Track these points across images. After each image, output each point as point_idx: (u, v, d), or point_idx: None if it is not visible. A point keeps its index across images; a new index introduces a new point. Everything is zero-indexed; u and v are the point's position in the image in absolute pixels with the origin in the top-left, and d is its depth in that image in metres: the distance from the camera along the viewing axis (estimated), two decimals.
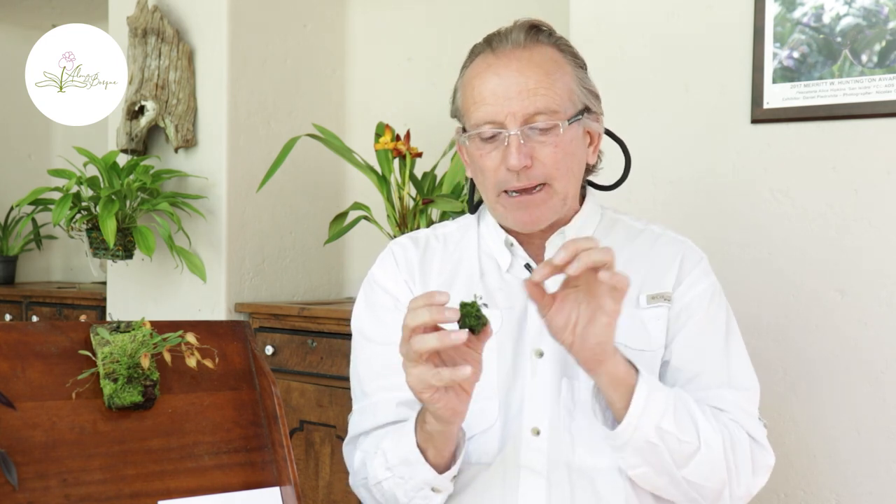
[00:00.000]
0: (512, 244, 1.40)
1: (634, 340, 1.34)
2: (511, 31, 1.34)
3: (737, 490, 1.29)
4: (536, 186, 1.31)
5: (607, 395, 1.23)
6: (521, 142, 1.29)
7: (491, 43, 1.35)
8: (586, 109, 1.36)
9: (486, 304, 1.11)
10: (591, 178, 1.46)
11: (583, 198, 1.44)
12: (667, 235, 1.43)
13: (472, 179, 1.43)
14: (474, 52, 1.37)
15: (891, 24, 1.84)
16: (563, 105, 1.31)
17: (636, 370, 1.23)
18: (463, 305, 1.08)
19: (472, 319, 1.08)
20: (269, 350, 2.62)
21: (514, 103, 1.29)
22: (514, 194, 1.32)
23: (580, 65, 1.37)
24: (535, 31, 1.34)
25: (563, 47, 1.36)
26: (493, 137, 1.31)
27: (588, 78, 1.38)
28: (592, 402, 1.26)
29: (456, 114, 1.40)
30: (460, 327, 1.09)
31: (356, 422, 1.41)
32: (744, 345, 1.40)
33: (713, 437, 1.26)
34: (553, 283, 1.16)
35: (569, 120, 1.31)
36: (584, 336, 1.16)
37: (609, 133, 1.47)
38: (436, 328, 1.10)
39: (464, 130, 1.37)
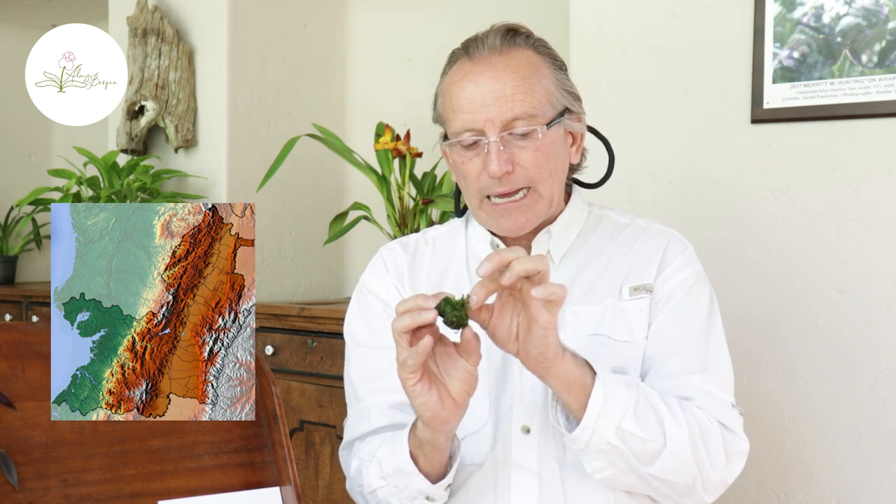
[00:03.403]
0: (498, 245, 1.40)
1: (618, 332, 1.35)
2: (487, 36, 1.34)
3: (711, 478, 1.28)
4: (520, 191, 1.32)
5: (562, 399, 1.22)
6: (501, 148, 1.29)
7: (468, 49, 1.35)
8: (566, 111, 1.35)
9: (468, 300, 1.11)
10: (576, 176, 1.47)
11: (569, 196, 1.44)
12: (652, 228, 1.43)
13: (457, 186, 1.44)
14: (452, 59, 1.37)
15: (891, 24, 1.84)
16: (541, 109, 1.31)
17: (593, 371, 1.22)
18: (444, 297, 1.10)
19: (447, 306, 1.10)
20: (269, 350, 2.62)
21: (491, 110, 1.29)
22: (498, 200, 1.32)
23: (559, 66, 1.37)
24: (512, 35, 1.34)
25: (540, 50, 1.36)
26: (473, 144, 1.32)
27: (568, 79, 1.38)
28: (552, 409, 1.25)
29: (438, 119, 1.41)
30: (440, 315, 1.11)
31: (351, 427, 1.42)
32: (723, 333, 1.39)
33: (679, 432, 1.24)
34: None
35: (548, 124, 1.31)
36: (526, 346, 1.15)
37: (592, 130, 1.47)
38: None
39: (445, 137, 1.38)
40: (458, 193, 1.48)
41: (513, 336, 1.16)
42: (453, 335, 1.14)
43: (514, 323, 1.15)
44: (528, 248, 1.39)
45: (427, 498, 1.28)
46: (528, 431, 1.32)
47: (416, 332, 1.12)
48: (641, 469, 1.24)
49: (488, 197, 1.33)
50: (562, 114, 1.34)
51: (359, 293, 1.48)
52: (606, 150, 1.49)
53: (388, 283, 1.44)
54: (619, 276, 1.38)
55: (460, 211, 1.50)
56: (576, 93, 1.39)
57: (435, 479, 1.26)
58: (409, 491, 1.27)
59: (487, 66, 1.31)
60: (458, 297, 1.11)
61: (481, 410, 1.34)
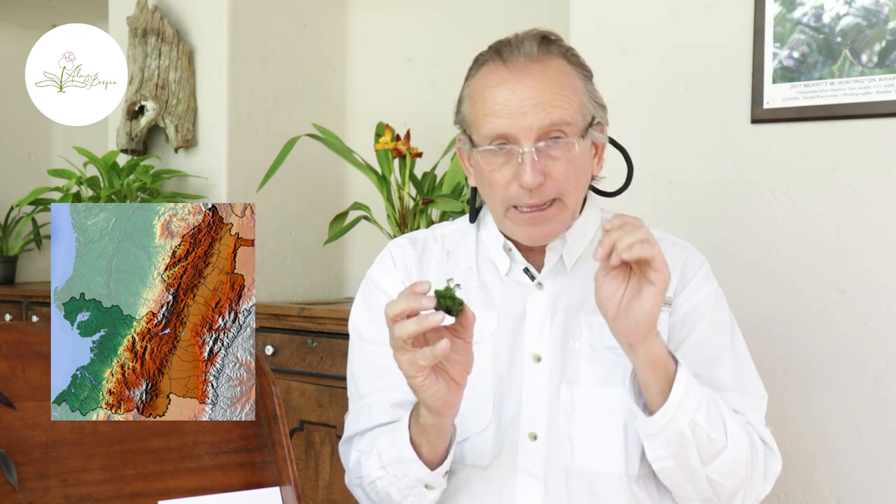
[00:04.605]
0: (510, 249, 1.39)
1: None
2: (523, 42, 1.31)
3: (754, 489, 1.30)
4: (547, 201, 1.30)
5: (644, 378, 1.23)
6: (536, 159, 1.27)
7: (501, 54, 1.31)
8: (594, 121, 1.34)
9: (458, 286, 1.11)
10: (593, 184, 1.45)
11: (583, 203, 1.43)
12: (666, 239, 1.41)
13: (474, 189, 1.42)
14: (481, 62, 1.34)
15: (891, 24, 1.84)
16: (575, 118, 1.29)
17: (675, 360, 1.24)
18: (437, 292, 1.10)
19: (448, 301, 1.10)
20: (269, 350, 2.62)
21: (528, 118, 1.27)
22: (525, 209, 1.31)
23: (588, 76, 1.36)
24: (547, 43, 1.32)
25: (571, 59, 1.34)
26: (504, 152, 1.29)
27: (595, 89, 1.36)
28: (630, 387, 1.26)
29: (462, 123, 1.37)
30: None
31: (352, 421, 1.42)
32: (748, 352, 1.40)
33: (740, 436, 1.26)
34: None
35: (582, 135, 1.30)
36: (629, 308, 1.18)
37: (612, 141, 1.46)
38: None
39: (471, 141, 1.34)
40: (473, 196, 1.45)
41: (617, 297, 1.18)
42: (448, 319, 1.13)
43: (621, 287, 1.19)
44: (542, 253, 1.38)
45: (426, 486, 1.27)
46: (535, 438, 1.32)
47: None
48: (700, 466, 1.25)
49: (515, 207, 1.31)
50: (590, 125, 1.33)
51: (365, 288, 1.46)
52: (626, 162, 1.47)
53: (395, 279, 1.43)
54: None
55: (473, 215, 1.46)
56: (603, 103, 1.37)
57: (433, 467, 1.26)
58: (408, 480, 1.27)
59: (525, 74, 1.29)
60: (441, 288, 1.11)
61: (484, 412, 1.33)
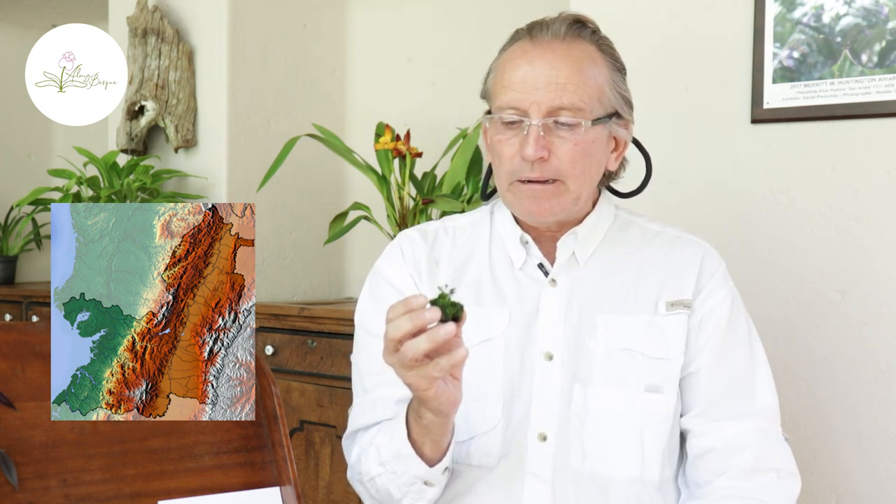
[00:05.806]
0: (527, 242, 1.38)
1: (653, 349, 1.32)
2: (554, 22, 1.32)
3: None
4: (549, 179, 1.30)
5: None
6: (541, 133, 1.27)
7: (531, 31, 1.33)
8: (616, 114, 1.33)
9: (452, 291, 1.10)
10: (611, 184, 1.45)
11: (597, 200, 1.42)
12: (683, 238, 1.41)
13: (489, 166, 1.41)
14: (514, 37, 1.36)
15: (891, 24, 1.84)
16: (590, 104, 1.29)
17: None
18: (435, 302, 1.08)
19: (451, 309, 1.08)
20: (269, 350, 2.62)
21: (540, 93, 1.28)
22: (527, 182, 1.30)
23: (618, 68, 1.36)
24: (578, 26, 1.33)
25: (603, 47, 1.35)
26: (514, 124, 1.30)
27: (624, 83, 1.36)
28: None
29: (485, 94, 1.38)
30: (441, 321, 1.08)
31: (356, 416, 1.40)
32: (764, 353, 1.39)
33: None
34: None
35: (593, 120, 1.29)
36: None
37: (636, 143, 1.45)
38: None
39: (488, 112, 1.36)
40: (486, 176, 1.44)
41: None
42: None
43: None
44: (554, 248, 1.37)
45: (425, 483, 1.26)
46: (544, 439, 1.30)
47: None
48: None
49: (519, 180, 1.31)
50: (610, 116, 1.33)
51: (372, 280, 1.44)
52: (645, 164, 1.47)
53: (403, 272, 1.41)
54: (654, 289, 1.35)
55: (486, 195, 1.46)
56: (629, 98, 1.37)
57: (434, 463, 1.25)
58: (406, 476, 1.26)
59: (546, 51, 1.30)
60: (434, 296, 1.09)
61: (493, 411, 1.32)
